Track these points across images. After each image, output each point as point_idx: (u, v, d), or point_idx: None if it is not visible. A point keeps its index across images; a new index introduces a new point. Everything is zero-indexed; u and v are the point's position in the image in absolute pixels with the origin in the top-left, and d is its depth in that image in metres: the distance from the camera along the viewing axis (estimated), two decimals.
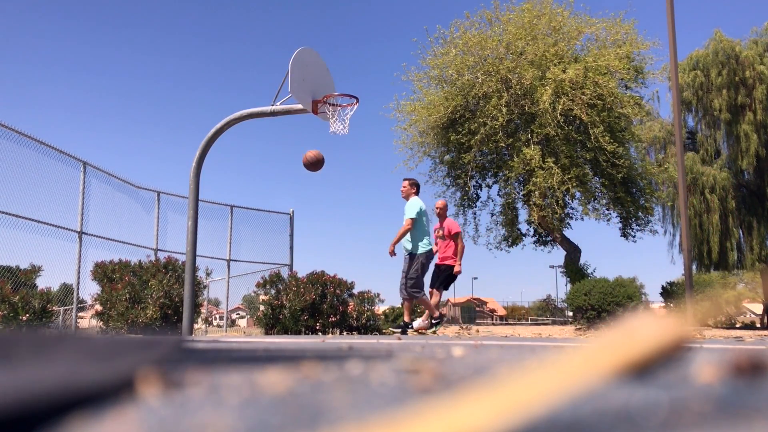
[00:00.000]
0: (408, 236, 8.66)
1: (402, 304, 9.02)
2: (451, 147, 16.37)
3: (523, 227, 17.91)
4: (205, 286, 12.25)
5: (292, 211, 14.91)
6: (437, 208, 9.46)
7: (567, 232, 16.90)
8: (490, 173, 17.43)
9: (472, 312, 60.25)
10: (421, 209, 8.76)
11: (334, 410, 0.64)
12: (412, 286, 8.56)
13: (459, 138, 15.50)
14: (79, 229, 10.34)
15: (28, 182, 9.35)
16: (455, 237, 9.22)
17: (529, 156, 14.69)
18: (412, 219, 8.61)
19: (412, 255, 8.65)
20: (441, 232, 9.33)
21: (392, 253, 8.74)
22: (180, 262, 10.60)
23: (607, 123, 14.86)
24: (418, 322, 8.89)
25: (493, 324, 45.44)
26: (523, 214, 17.62)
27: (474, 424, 0.43)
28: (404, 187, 8.89)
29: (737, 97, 23.91)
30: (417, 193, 8.96)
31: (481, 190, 17.76)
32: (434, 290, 9.12)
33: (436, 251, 9.24)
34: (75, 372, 0.61)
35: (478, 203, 17.78)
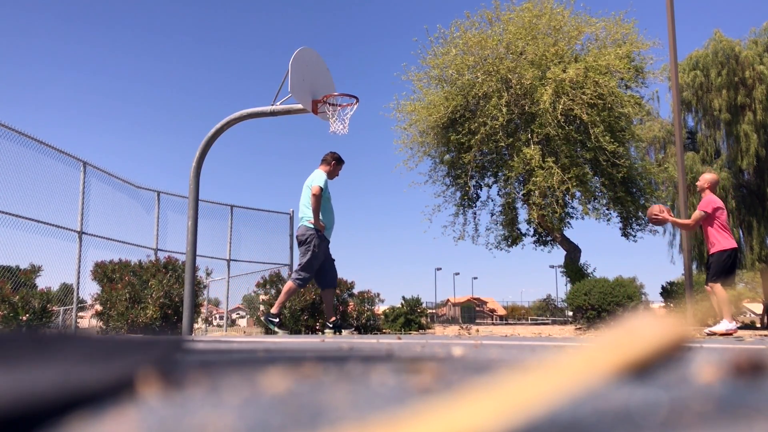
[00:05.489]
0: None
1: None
2: (451, 147, 16.36)
3: (523, 227, 17.94)
4: (205, 286, 12.26)
5: (292, 211, 14.90)
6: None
7: (567, 232, 16.92)
8: (490, 173, 17.44)
9: (472, 312, 60.25)
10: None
11: (334, 410, 0.64)
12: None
13: (459, 138, 15.50)
14: (79, 229, 10.34)
15: (28, 182, 9.36)
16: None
17: (529, 156, 14.69)
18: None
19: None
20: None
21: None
22: (180, 262, 10.61)
23: (608, 123, 14.86)
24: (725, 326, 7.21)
25: (493, 324, 45.44)
26: (523, 214, 17.65)
27: (474, 424, 0.43)
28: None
29: (737, 97, 23.89)
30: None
31: (481, 190, 17.79)
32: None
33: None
34: (75, 372, 0.61)
35: (478, 203, 17.81)
